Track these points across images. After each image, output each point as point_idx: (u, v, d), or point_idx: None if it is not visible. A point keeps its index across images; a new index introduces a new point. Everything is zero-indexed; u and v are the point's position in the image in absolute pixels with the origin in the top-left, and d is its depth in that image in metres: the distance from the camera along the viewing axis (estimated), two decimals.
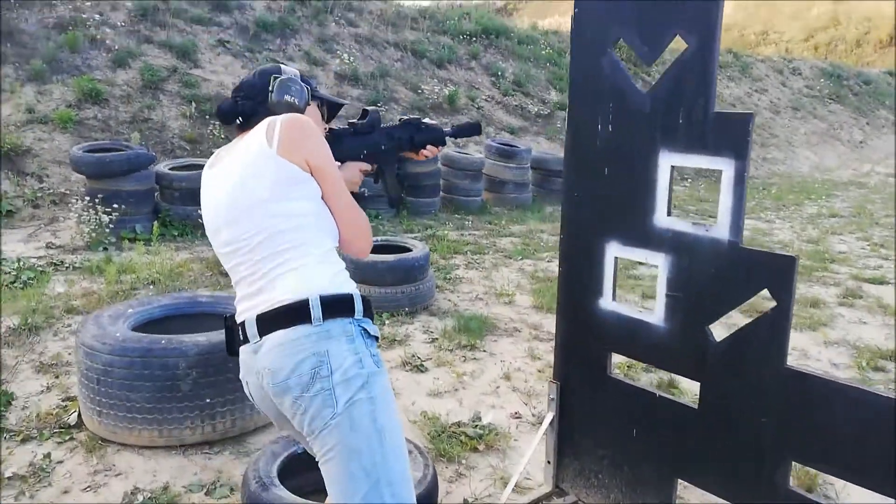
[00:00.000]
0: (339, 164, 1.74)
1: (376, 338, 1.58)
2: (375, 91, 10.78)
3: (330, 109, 1.84)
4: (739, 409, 1.98)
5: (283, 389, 1.47)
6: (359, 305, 1.54)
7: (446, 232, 6.94)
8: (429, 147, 1.96)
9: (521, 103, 12.48)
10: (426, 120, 1.99)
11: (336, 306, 1.50)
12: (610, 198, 2.20)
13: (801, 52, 33.92)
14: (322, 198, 1.57)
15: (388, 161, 1.92)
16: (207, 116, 8.75)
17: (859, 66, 26.44)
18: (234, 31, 10.62)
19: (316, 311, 1.46)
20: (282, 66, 1.74)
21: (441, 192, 8.41)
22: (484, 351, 3.97)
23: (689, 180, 12.02)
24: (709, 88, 1.91)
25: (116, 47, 9.08)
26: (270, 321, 1.49)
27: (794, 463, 1.90)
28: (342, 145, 1.78)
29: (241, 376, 1.62)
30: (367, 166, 1.87)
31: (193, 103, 8.76)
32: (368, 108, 1.91)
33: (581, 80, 2.23)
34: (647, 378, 3.61)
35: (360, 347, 1.50)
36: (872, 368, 3.94)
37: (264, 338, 1.49)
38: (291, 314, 1.47)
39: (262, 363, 1.50)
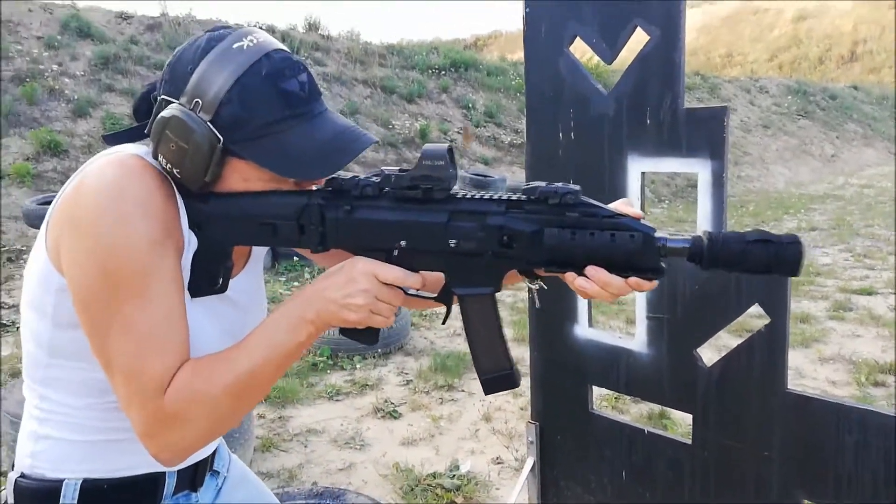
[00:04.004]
0: (322, 251, 0.93)
1: None
2: None
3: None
4: (738, 443, 1.75)
5: None
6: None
7: None
8: (595, 272, 0.79)
9: (493, 134, 12.40)
10: (591, 201, 0.81)
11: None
12: None
13: (766, 71, 34.64)
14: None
15: (467, 278, 0.85)
16: None
17: (824, 83, 26.95)
18: None
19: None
20: (236, 34, 0.88)
21: None
22: (462, 391, 3.71)
23: (668, 201, 11.94)
24: (676, 83, 1.71)
25: (76, 97, 8.86)
26: None
27: (805, 502, 1.67)
28: (349, 217, 0.87)
29: None
30: (399, 273, 0.84)
31: None
32: (433, 145, 0.83)
33: (537, 86, 2.03)
34: (637, 409, 3.36)
35: None
36: (872, 384, 3.72)
37: None
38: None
39: None
